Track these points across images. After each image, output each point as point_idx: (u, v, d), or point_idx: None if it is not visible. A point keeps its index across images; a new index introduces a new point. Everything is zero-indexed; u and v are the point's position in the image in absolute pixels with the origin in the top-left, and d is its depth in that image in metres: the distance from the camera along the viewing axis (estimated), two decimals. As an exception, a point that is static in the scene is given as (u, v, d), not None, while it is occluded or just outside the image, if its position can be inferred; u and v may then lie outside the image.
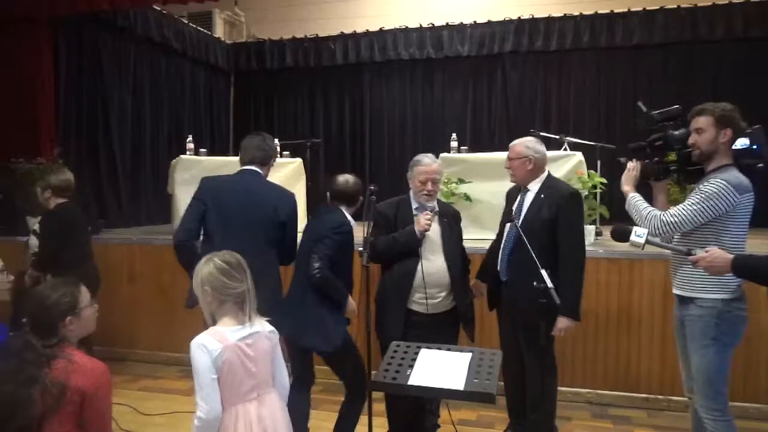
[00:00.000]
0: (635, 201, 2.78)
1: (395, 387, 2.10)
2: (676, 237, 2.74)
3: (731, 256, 2.27)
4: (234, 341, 2.15)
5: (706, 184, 2.58)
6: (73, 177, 4.23)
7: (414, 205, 3.17)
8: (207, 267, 2.20)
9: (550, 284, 2.47)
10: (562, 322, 3.03)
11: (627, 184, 2.85)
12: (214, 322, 2.22)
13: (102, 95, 6.54)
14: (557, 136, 5.72)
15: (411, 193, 3.21)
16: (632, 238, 2.48)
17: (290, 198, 3.27)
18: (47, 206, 4.09)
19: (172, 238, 3.22)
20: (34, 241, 4.20)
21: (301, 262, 3.16)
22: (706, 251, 2.33)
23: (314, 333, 3.03)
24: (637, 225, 2.66)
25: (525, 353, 3.20)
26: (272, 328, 2.30)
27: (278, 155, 3.36)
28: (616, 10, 7.47)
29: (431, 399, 3.16)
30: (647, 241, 2.46)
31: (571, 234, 3.08)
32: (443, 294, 3.09)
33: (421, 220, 3.02)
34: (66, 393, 2.04)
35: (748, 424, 3.63)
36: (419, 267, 3.02)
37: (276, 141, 6.17)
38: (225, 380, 2.13)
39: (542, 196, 3.16)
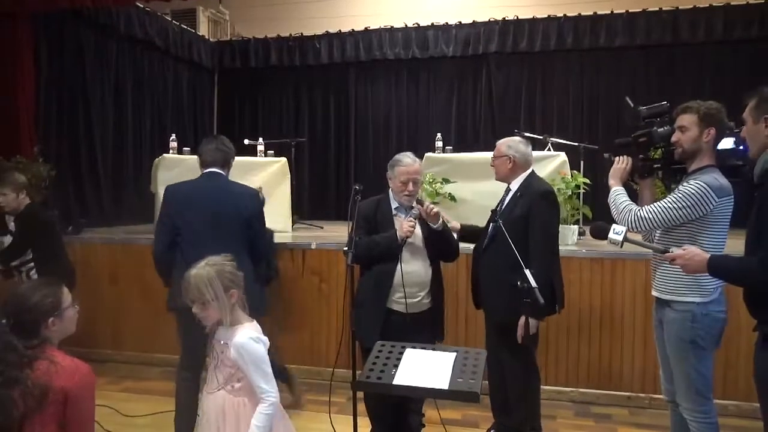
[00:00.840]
0: (616, 194, 2.78)
1: (380, 387, 2.10)
2: (657, 235, 2.75)
3: (708, 255, 2.27)
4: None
5: (685, 184, 2.58)
6: None
7: (393, 205, 3.14)
8: (217, 269, 2.23)
9: (534, 284, 2.48)
10: (522, 320, 3.02)
11: (613, 178, 2.84)
12: (233, 322, 2.27)
13: (83, 93, 6.46)
14: (541, 137, 5.77)
15: (390, 192, 3.18)
16: (610, 235, 2.48)
17: (253, 195, 3.35)
18: (20, 207, 4.04)
19: (153, 250, 3.26)
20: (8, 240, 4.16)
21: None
22: (684, 249, 2.33)
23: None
24: (615, 222, 2.68)
25: (503, 352, 3.22)
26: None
27: (235, 155, 3.43)
28: (599, 12, 7.55)
29: (416, 399, 3.17)
30: (625, 239, 2.46)
31: (538, 231, 3.09)
32: (422, 293, 3.08)
33: (404, 225, 2.98)
34: (48, 394, 2.02)
35: (728, 422, 3.68)
36: (398, 267, 3.01)
37: (260, 140, 6.25)
38: None
39: (519, 194, 3.20)
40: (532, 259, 2.95)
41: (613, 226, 2.51)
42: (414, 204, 3.09)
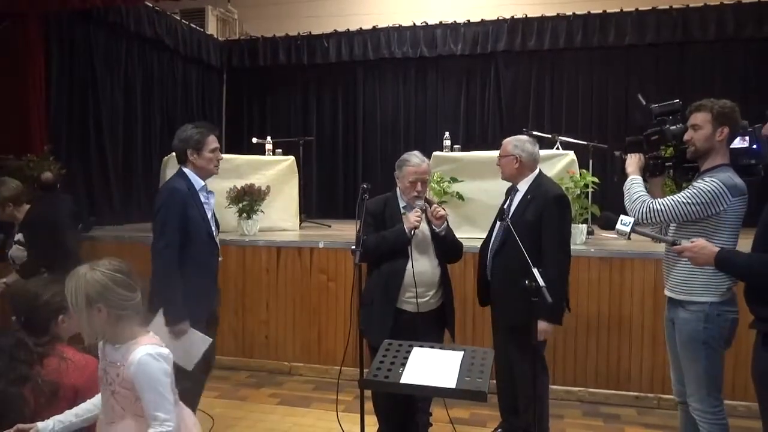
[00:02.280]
0: (632, 183, 2.75)
1: (388, 385, 2.10)
2: (671, 231, 2.72)
3: (717, 248, 2.28)
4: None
5: (700, 181, 2.55)
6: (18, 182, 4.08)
7: (401, 204, 3.13)
8: (89, 278, 1.86)
9: (542, 283, 2.46)
10: (541, 326, 3.01)
11: (631, 166, 2.83)
12: (116, 339, 1.93)
13: (94, 92, 6.50)
14: (549, 135, 5.75)
15: (398, 191, 3.17)
16: (618, 226, 2.47)
17: (159, 192, 3.21)
18: (16, 218, 4.00)
19: None
20: (17, 253, 4.00)
21: None
22: (692, 242, 2.33)
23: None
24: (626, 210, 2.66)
25: (513, 353, 3.21)
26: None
27: (194, 143, 3.10)
28: (608, 10, 7.50)
29: (423, 397, 3.17)
30: (633, 230, 2.45)
31: (552, 238, 3.06)
32: (431, 293, 3.08)
33: (411, 217, 2.99)
34: (59, 391, 2.05)
35: (737, 422, 3.65)
36: (409, 266, 3.00)
37: (269, 138, 6.27)
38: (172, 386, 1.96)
39: (529, 197, 3.15)
40: (545, 264, 2.92)
41: (621, 217, 2.50)
42: (422, 200, 3.08)
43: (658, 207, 2.59)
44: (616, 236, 2.54)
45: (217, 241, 3.23)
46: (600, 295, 4.21)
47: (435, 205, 3.06)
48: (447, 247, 3.14)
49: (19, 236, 3.97)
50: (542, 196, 3.12)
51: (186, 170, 3.13)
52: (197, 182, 3.13)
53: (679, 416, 2.91)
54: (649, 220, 2.64)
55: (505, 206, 3.25)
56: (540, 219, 3.06)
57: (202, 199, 3.14)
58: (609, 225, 2.54)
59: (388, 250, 3.03)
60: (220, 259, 3.30)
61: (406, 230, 2.99)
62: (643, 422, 3.91)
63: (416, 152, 3.13)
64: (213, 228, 3.18)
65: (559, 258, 3.08)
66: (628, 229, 2.44)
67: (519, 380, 3.23)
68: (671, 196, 2.62)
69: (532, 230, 3.03)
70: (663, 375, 3.96)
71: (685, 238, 2.55)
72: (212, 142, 3.14)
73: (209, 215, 3.16)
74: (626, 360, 4.18)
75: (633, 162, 2.84)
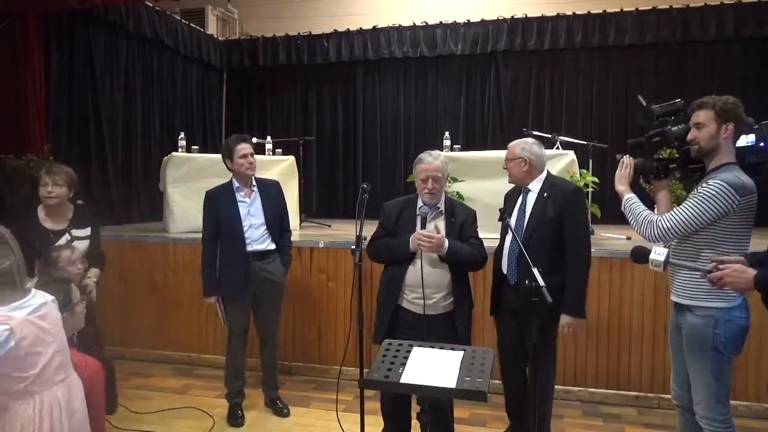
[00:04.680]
0: (631, 203, 2.67)
1: (388, 385, 2.10)
2: (674, 242, 2.61)
3: (753, 272, 2.08)
4: (24, 316, 1.87)
5: (704, 185, 2.45)
6: None
7: (419, 204, 3.12)
8: None
9: (542, 283, 2.46)
10: (565, 320, 3.03)
11: (621, 184, 2.73)
12: None
13: (93, 92, 6.50)
14: (549, 135, 5.75)
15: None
16: (652, 256, 2.30)
17: None
18: (67, 207, 3.85)
19: None
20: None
21: None
22: (729, 267, 2.10)
23: None
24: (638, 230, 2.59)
25: (535, 356, 3.16)
26: (52, 296, 2.03)
27: (227, 152, 3.70)
28: (609, 10, 7.51)
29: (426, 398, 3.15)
30: (668, 261, 2.29)
31: (577, 230, 3.07)
32: (439, 295, 3.03)
33: (417, 236, 2.93)
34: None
35: (738, 422, 3.64)
36: (418, 267, 2.97)
37: (269, 138, 6.27)
38: (24, 363, 1.86)
39: (545, 195, 3.12)
40: (570, 256, 2.99)
41: (654, 248, 2.31)
42: (428, 218, 3.02)
43: (667, 225, 2.49)
44: (650, 266, 2.38)
45: (247, 235, 3.65)
46: (600, 295, 4.20)
47: (429, 232, 2.93)
48: (455, 263, 3.04)
49: (76, 232, 3.82)
50: (561, 191, 3.11)
51: (232, 176, 3.71)
52: (234, 184, 3.70)
53: (678, 421, 2.84)
54: (660, 238, 2.54)
55: (517, 207, 3.20)
56: (561, 214, 3.06)
57: (238, 198, 3.67)
58: (643, 258, 2.34)
59: (392, 259, 3.08)
60: (253, 247, 3.67)
61: (411, 246, 2.97)
62: (643, 422, 3.90)
63: (433, 151, 3.15)
64: (247, 223, 3.66)
65: (583, 249, 3.10)
66: (662, 258, 2.27)
67: (539, 380, 3.12)
68: (676, 209, 2.52)
69: (555, 226, 3.05)
70: (663, 375, 3.96)
71: (692, 246, 2.49)
72: (241, 150, 3.63)
73: (244, 213, 3.66)
74: (626, 360, 4.17)
75: (622, 177, 2.74)
